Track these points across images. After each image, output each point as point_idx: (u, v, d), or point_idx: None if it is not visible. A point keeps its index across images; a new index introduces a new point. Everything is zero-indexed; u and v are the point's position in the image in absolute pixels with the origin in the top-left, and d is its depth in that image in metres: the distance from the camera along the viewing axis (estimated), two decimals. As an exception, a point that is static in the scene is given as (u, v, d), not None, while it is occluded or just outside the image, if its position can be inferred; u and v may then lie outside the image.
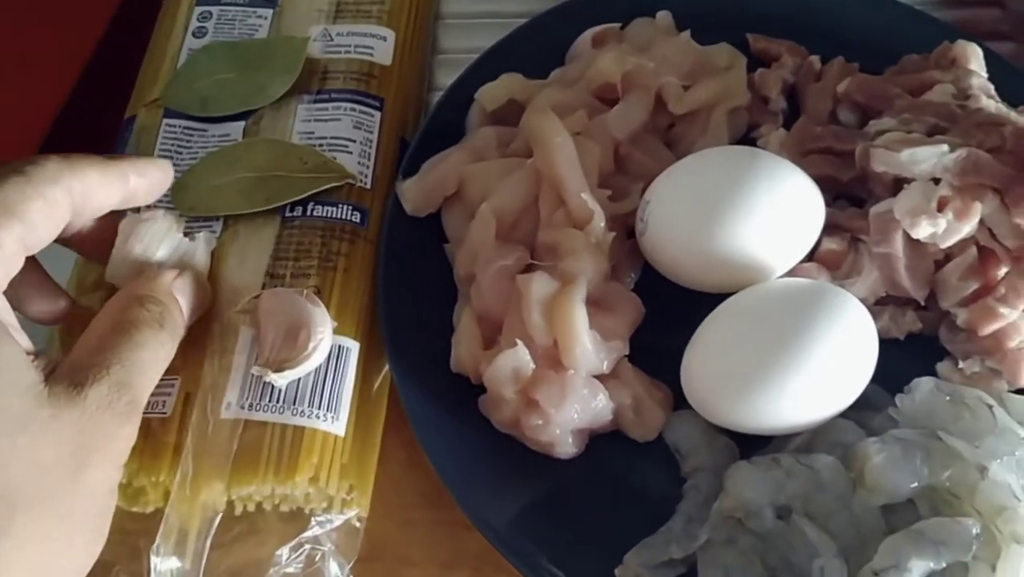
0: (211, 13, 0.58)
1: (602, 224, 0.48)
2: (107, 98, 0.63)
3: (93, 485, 0.35)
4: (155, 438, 0.44)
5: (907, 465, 0.43)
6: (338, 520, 0.45)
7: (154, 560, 0.42)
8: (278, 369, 0.44)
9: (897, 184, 0.49)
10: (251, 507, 0.45)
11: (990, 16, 0.64)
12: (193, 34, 0.57)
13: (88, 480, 0.35)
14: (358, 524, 0.45)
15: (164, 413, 0.45)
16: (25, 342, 0.36)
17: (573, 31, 0.57)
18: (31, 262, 0.42)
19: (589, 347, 0.45)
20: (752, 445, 0.46)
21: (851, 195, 0.52)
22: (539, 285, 0.46)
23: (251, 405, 0.44)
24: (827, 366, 0.43)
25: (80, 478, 0.34)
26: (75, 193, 0.39)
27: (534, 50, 0.57)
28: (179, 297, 0.43)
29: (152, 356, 0.39)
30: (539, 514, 0.46)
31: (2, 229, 0.36)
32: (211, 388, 0.45)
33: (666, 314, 0.49)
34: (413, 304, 0.49)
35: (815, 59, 0.57)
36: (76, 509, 0.34)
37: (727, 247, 0.46)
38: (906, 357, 0.48)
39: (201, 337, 0.46)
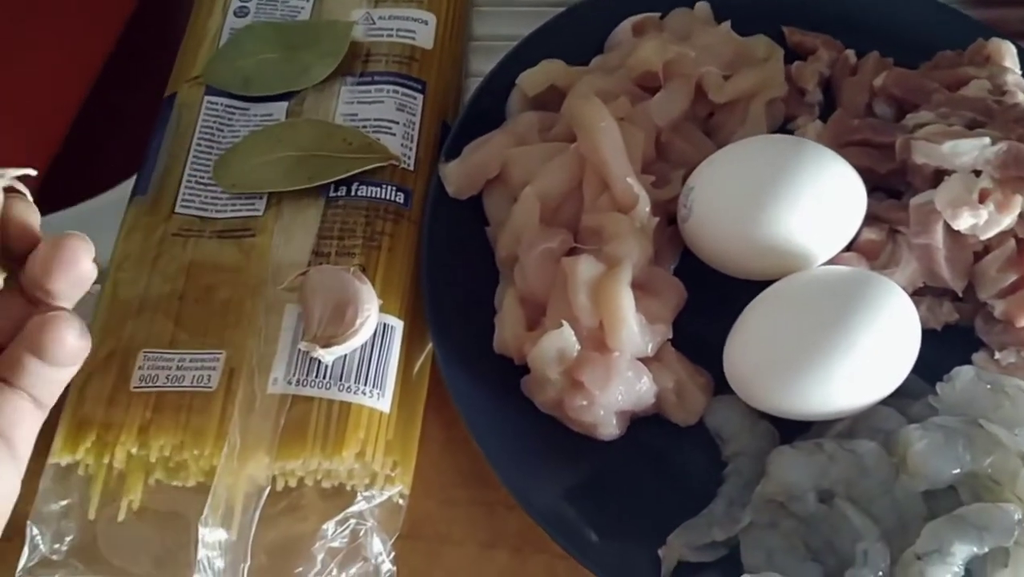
0: (253, -7, 0.58)
1: (647, 209, 0.48)
2: (137, 76, 0.63)
3: None
4: (199, 413, 0.44)
5: (949, 451, 0.43)
6: (381, 496, 0.45)
7: (202, 531, 0.42)
8: (325, 345, 0.44)
9: (937, 176, 0.49)
10: (293, 483, 0.45)
11: (1017, 16, 0.65)
12: (235, 13, 0.57)
13: None
14: (401, 501, 0.45)
15: (209, 388, 0.45)
16: None
17: (612, 20, 0.58)
18: None
19: (635, 329, 0.45)
20: (792, 431, 0.47)
21: (887, 187, 0.53)
22: (585, 267, 0.46)
23: (298, 381, 0.45)
24: (871, 353, 0.43)
25: None
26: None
27: (573, 38, 0.57)
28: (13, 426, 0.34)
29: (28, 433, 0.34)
30: (581, 494, 0.46)
31: None
32: (257, 364, 0.45)
33: (704, 300, 0.50)
34: (455, 285, 0.50)
35: (850, 53, 0.57)
36: None
37: (771, 234, 0.46)
38: (942, 347, 0.48)
39: (247, 314, 0.46)
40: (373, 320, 0.45)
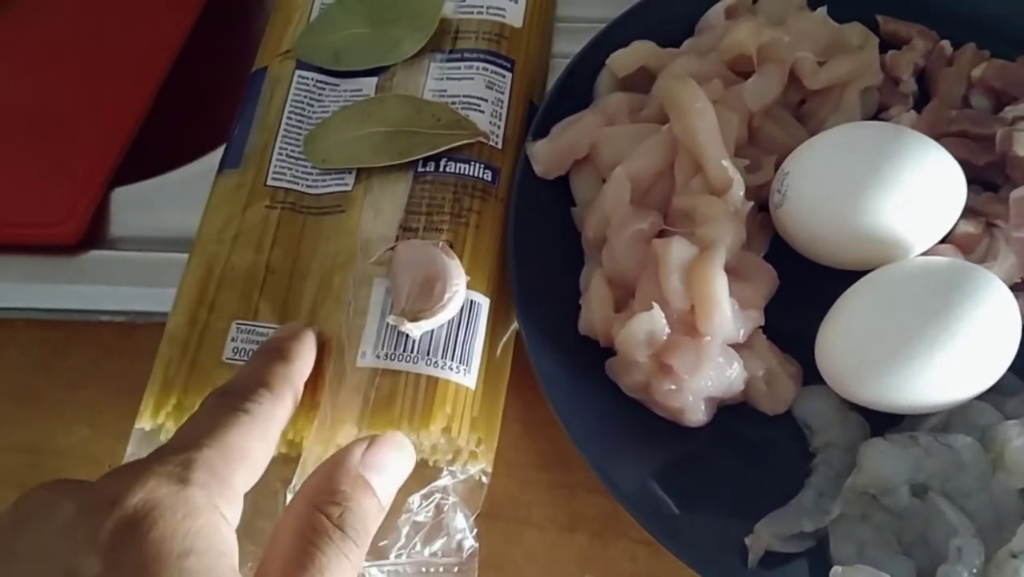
0: (346, -32, 0.58)
1: (741, 192, 0.47)
2: (219, 50, 0.63)
3: None
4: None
5: (1048, 450, 0.42)
6: (466, 473, 0.44)
7: (290, 497, 0.42)
8: (413, 319, 0.44)
9: (1039, 169, 0.48)
10: (378, 457, 0.44)
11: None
12: (329, -10, 0.57)
13: None
14: (483, 478, 0.45)
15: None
16: None
17: (703, 2, 0.57)
18: None
19: (728, 314, 0.44)
20: (882, 423, 0.46)
21: (983, 180, 0.51)
22: (678, 250, 0.45)
23: (387, 355, 0.44)
24: (971, 347, 0.42)
25: None
26: (285, 425, 0.40)
27: (663, 20, 0.57)
28: (373, 475, 0.37)
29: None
30: (666, 479, 0.45)
31: (240, 474, 0.35)
32: (347, 338, 0.45)
33: (793, 288, 0.49)
34: (541, 264, 0.49)
35: (946, 44, 0.56)
36: None
37: (868, 223, 0.45)
38: (1038, 344, 0.47)
39: (335, 288, 0.46)
40: (461, 295, 0.45)
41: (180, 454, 0.34)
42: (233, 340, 0.46)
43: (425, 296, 0.44)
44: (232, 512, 0.34)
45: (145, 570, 0.30)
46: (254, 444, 0.37)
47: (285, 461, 0.44)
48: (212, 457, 0.35)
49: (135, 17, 0.65)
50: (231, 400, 0.38)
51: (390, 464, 0.38)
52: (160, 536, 0.31)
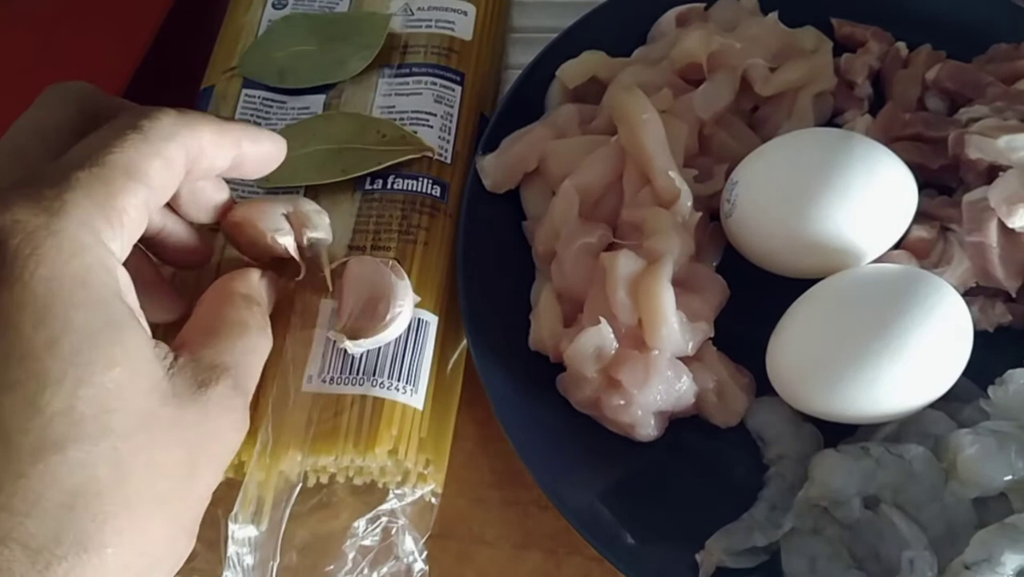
0: (291, -16, 0.57)
1: (689, 203, 0.47)
2: (176, 70, 0.63)
3: (202, 488, 0.34)
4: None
5: (1001, 457, 0.42)
6: (414, 495, 0.44)
7: (232, 527, 0.41)
8: (353, 336, 0.44)
9: (991, 172, 0.48)
10: (324, 479, 0.44)
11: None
12: (273, 5, 0.56)
13: (199, 483, 0.33)
14: (433, 500, 0.45)
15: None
16: (147, 327, 0.34)
17: (655, 11, 0.56)
18: (144, 260, 0.41)
19: (676, 327, 0.44)
20: (836, 433, 0.45)
21: (938, 183, 0.51)
22: (625, 263, 0.45)
23: (332, 379, 0.44)
24: (923, 355, 0.42)
25: (193, 481, 0.33)
26: (190, 150, 0.36)
27: (614, 29, 0.56)
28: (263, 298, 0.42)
29: (259, 360, 0.38)
30: (617, 495, 0.45)
31: (127, 193, 0.33)
32: (292, 361, 0.44)
33: (746, 298, 0.48)
34: (491, 280, 0.49)
35: (901, 45, 0.56)
36: (183, 512, 0.33)
37: (818, 230, 0.45)
38: (995, 350, 0.46)
39: (282, 311, 0.46)
40: (406, 316, 0.45)
41: (55, 181, 0.32)
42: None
43: (368, 314, 0.44)
44: (120, 243, 0.33)
45: (27, 308, 0.29)
46: (145, 162, 0.33)
47: (230, 485, 0.43)
48: (90, 180, 0.32)
49: (87, 40, 0.64)
50: (119, 121, 0.34)
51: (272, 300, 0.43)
52: (46, 275, 0.30)
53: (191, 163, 0.36)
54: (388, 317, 0.44)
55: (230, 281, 0.41)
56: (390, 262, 0.46)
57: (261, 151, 0.40)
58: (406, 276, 0.45)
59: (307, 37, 0.54)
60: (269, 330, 0.40)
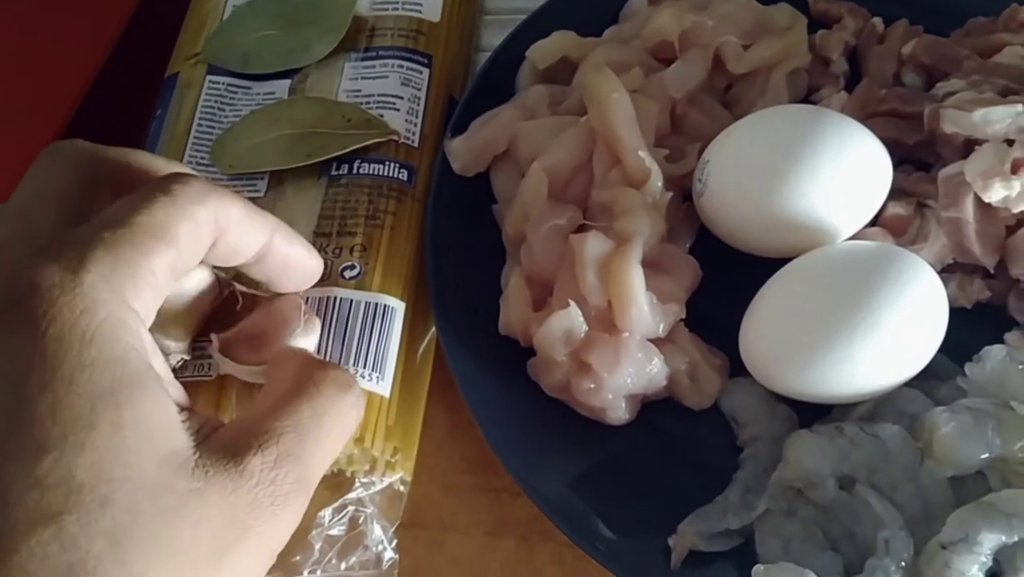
0: (256, -32, 0.56)
1: (659, 183, 0.46)
2: (149, 58, 0.62)
3: (235, 574, 0.29)
4: (196, 401, 0.43)
5: (978, 435, 0.41)
6: (382, 483, 0.43)
7: None
8: (225, 352, 0.42)
9: (967, 146, 0.47)
10: (290, 469, 0.43)
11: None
12: (240, -10, 0.56)
13: (232, 568, 0.29)
14: (402, 488, 0.44)
15: (208, 376, 0.43)
16: (178, 394, 0.32)
17: (627, -10, 0.56)
18: None
19: (645, 309, 0.43)
20: (812, 414, 0.44)
21: (915, 159, 0.50)
22: (594, 245, 0.44)
23: (295, 366, 0.43)
24: (896, 332, 0.41)
25: (221, 565, 0.29)
26: (219, 219, 0.34)
27: (586, 9, 0.55)
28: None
29: (336, 424, 0.34)
30: (589, 481, 0.44)
31: (154, 254, 0.31)
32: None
33: (721, 279, 0.47)
34: (460, 265, 0.48)
35: (878, 21, 0.55)
36: None
37: (791, 209, 0.44)
38: (973, 326, 0.45)
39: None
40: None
41: (77, 242, 0.30)
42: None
43: (253, 344, 0.42)
44: (143, 303, 0.31)
45: (34, 370, 0.27)
46: (175, 224, 0.32)
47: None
48: (115, 240, 0.30)
49: (55, 31, 0.64)
50: (149, 186, 0.33)
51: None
52: (56, 334, 0.28)
53: (219, 233, 0.34)
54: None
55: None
56: (310, 319, 0.43)
57: (293, 252, 0.38)
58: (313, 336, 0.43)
59: (271, 22, 0.53)
60: (354, 388, 0.35)
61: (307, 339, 0.42)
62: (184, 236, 0.32)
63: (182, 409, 0.31)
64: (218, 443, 0.30)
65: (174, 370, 0.40)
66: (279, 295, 0.42)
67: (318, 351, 0.43)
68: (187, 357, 0.42)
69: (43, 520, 0.26)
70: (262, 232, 0.36)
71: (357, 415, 0.35)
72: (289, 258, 0.38)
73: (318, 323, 0.43)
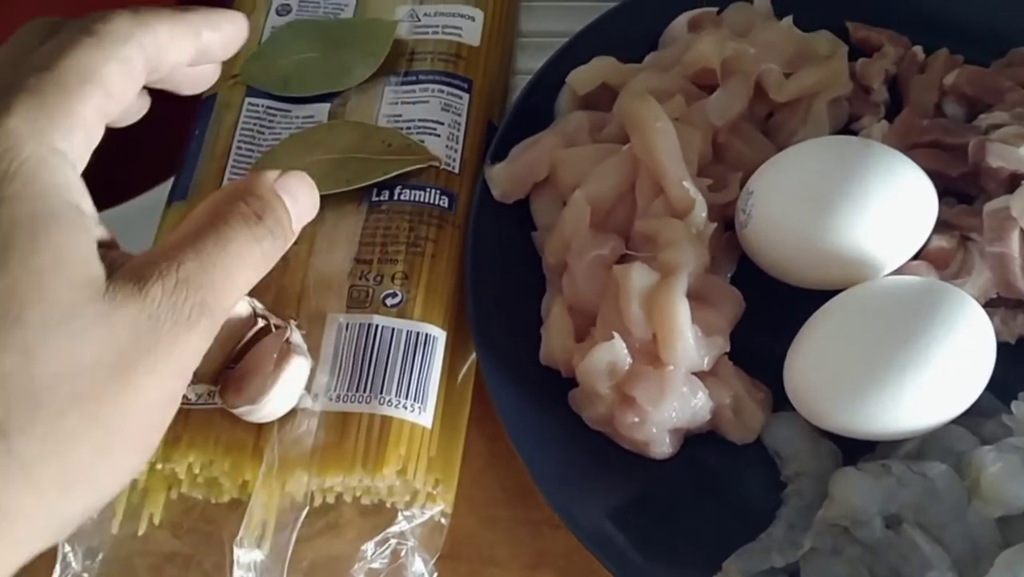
0: (296, -12, 0.56)
1: (703, 214, 0.46)
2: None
3: (139, 392, 0.31)
4: (233, 429, 0.43)
5: (1026, 476, 0.40)
6: (423, 516, 0.43)
7: (237, 552, 0.40)
8: (214, 382, 0.42)
9: (1013, 180, 0.47)
10: (331, 499, 0.43)
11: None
12: (276, 11, 0.55)
13: (134, 386, 0.30)
14: (443, 520, 0.44)
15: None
16: (102, 233, 0.33)
17: (666, 15, 0.55)
18: None
19: (691, 342, 0.43)
20: (855, 450, 0.44)
21: (958, 191, 0.50)
22: (638, 276, 0.44)
23: (339, 396, 0.43)
24: (946, 371, 0.41)
25: (124, 383, 0.30)
26: (148, 49, 0.34)
27: (625, 34, 0.55)
28: (286, 197, 0.36)
29: (242, 254, 0.34)
30: (630, 514, 0.44)
31: (82, 100, 0.32)
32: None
33: (762, 310, 0.47)
34: (501, 293, 0.48)
35: (918, 49, 0.54)
36: (115, 415, 0.30)
37: (837, 242, 0.44)
38: (1016, 361, 0.45)
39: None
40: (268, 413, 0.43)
41: (2, 89, 0.31)
42: (180, 382, 0.44)
43: (241, 383, 0.42)
44: (70, 143, 0.32)
45: None
46: (102, 66, 0.33)
47: (233, 507, 0.42)
48: (40, 85, 0.31)
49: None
50: (72, 26, 0.34)
51: (301, 196, 0.37)
52: None
53: (152, 63, 0.35)
54: (244, 405, 0.41)
55: (229, 185, 0.39)
56: (286, 361, 0.42)
57: (223, 35, 0.39)
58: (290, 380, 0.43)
59: (311, 44, 0.53)
60: (276, 222, 0.35)
61: (283, 385, 0.42)
62: (112, 77, 0.33)
63: (104, 246, 0.32)
64: (127, 271, 0.31)
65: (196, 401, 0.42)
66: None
67: (360, 380, 0.43)
68: (215, 388, 0.42)
69: None
70: (192, 38, 0.37)
71: (271, 247, 0.35)
72: (223, 41, 0.39)
73: (296, 362, 0.42)
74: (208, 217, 0.34)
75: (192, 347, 0.32)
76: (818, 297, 0.45)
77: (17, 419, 0.28)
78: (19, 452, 0.28)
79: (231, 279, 0.33)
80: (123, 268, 0.31)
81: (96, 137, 0.34)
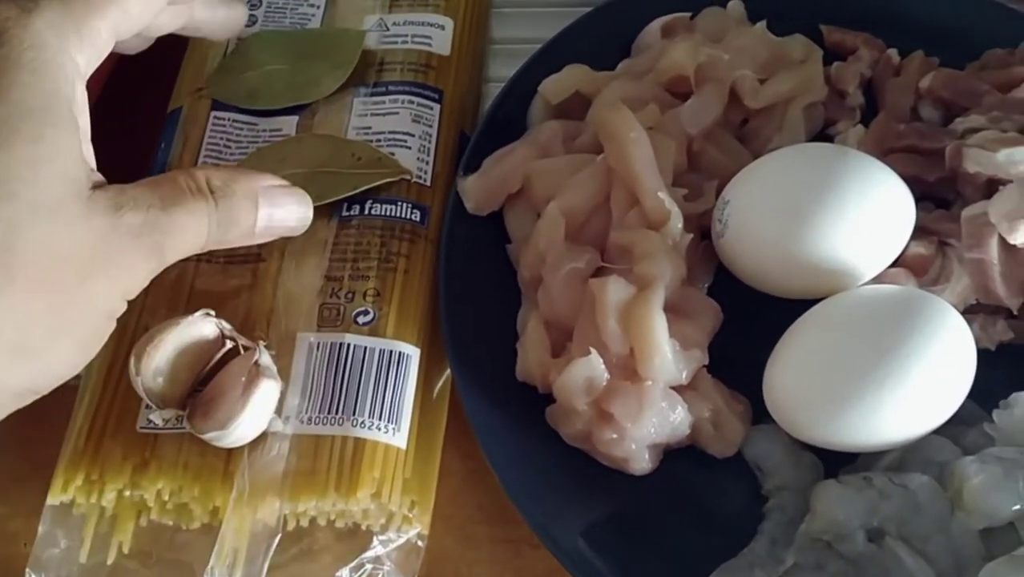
0: (261, 0, 0.55)
1: (679, 225, 0.45)
2: (143, 90, 0.60)
3: (95, 297, 0.35)
4: (202, 455, 0.42)
5: (1009, 486, 0.40)
6: (400, 539, 0.42)
7: None
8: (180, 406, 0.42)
9: (991, 186, 0.46)
10: (304, 522, 0.42)
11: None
12: (243, 23, 0.54)
13: (91, 290, 0.34)
14: (420, 543, 0.43)
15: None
16: (89, 154, 0.36)
17: (639, 21, 0.55)
18: None
19: (669, 357, 0.42)
20: (837, 461, 0.43)
21: (934, 196, 0.49)
22: (615, 290, 0.43)
23: (310, 419, 0.42)
24: (926, 382, 0.40)
25: (85, 284, 0.34)
26: None
27: (598, 41, 0.54)
28: (265, 205, 0.40)
29: (192, 225, 0.37)
30: (610, 532, 0.43)
31: (104, 15, 0.36)
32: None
33: (739, 320, 0.46)
34: (475, 307, 0.47)
35: (893, 52, 0.54)
36: (69, 309, 0.34)
37: (815, 251, 0.43)
38: (996, 368, 0.44)
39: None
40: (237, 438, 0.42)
41: None
42: (148, 406, 0.43)
43: (209, 408, 0.41)
44: (85, 57, 0.36)
45: None
46: None
47: (204, 532, 0.41)
48: None
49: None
50: None
51: (286, 207, 0.41)
52: (3, 54, 0.33)
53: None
54: (213, 431, 0.41)
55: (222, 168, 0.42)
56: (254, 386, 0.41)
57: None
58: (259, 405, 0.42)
59: (278, 56, 0.52)
60: (229, 217, 0.39)
61: (253, 409, 0.41)
62: (135, 3, 0.38)
63: (88, 165, 0.36)
64: (106, 190, 0.35)
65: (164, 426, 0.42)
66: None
67: (332, 401, 0.42)
68: (183, 412, 0.41)
69: None
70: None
71: (212, 233, 0.38)
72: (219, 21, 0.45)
73: (266, 385, 0.41)
74: (180, 181, 0.38)
75: (140, 279, 0.36)
76: (796, 306, 0.44)
77: None
78: None
79: (179, 240, 0.37)
80: (103, 187, 0.35)
81: (104, 53, 0.37)
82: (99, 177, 0.36)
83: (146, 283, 0.36)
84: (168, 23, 0.42)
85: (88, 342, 0.35)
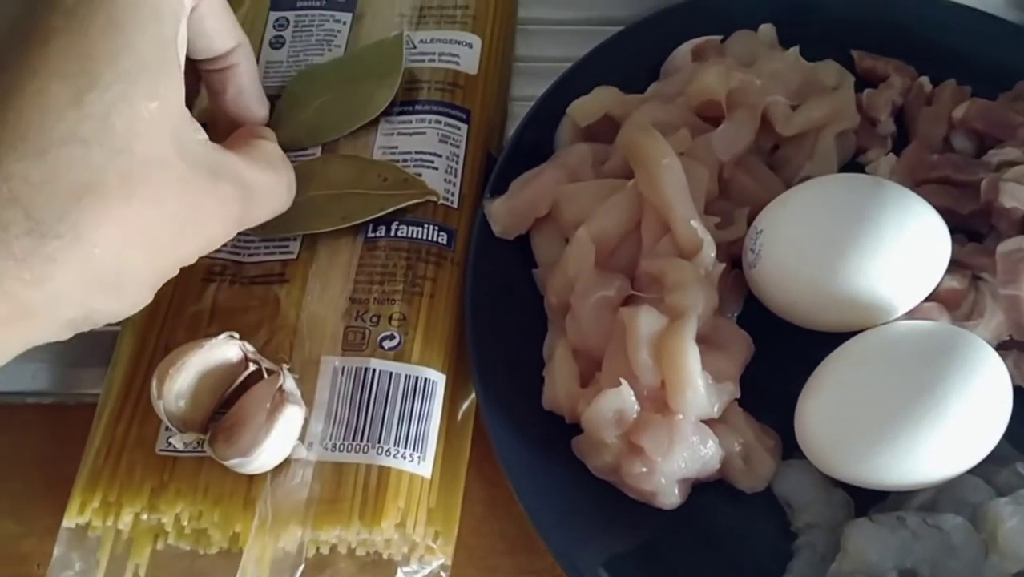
0: (288, 20, 0.54)
1: (712, 254, 0.44)
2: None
3: (180, 253, 0.37)
4: (223, 480, 0.41)
5: (1045, 530, 0.39)
6: (423, 570, 0.41)
7: None
8: (202, 430, 0.41)
9: (1027, 221, 0.46)
10: (325, 550, 0.41)
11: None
12: (270, 44, 0.53)
13: (180, 248, 0.36)
14: (443, 574, 0.42)
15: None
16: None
17: (668, 42, 0.54)
18: None
19: (702, 390, 0.41)
20: (867, 499, 0.43)
21: (967, 228, 0.48)
22: (647, 320, 0.42)
23: (334, 445, 0.41)
24: (963, 422, 0.39)
25: (177, 243, 0.36)
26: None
27: (626, 62, 0.53)
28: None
29: (271, 201, 0.42)
30: (635, 566, 0.42)
31: None
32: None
33: (770, 352, 0.46)
34: (502, 333, 0.46)
35: (925, 80, 0.53)
36: (160, 260, 0.36)
37: (850, 285, 0.42)
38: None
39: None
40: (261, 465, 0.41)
41: None
42: (168, 429, 0.42)
43: (231, 433, 0.40)
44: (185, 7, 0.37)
45: (94, 17, 0.33)
46: None
47: (224, 558, 0.40)
48: None
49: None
50: None
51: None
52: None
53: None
54: (235, 458, 0.40)
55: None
56: (279, 411, 0.41)
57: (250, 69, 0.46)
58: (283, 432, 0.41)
59: (325, 87, 0.50)
60: (287, 193, 0.43)
61: (276, 437, 0.40)
62: None
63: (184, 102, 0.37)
64: (210, 154, 0.37)
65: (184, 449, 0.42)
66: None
67: (357, 428, 0.41)
68: (204, 436, 0.41)
69: (77, 140, 0.31)
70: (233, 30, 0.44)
71: (284, 197, 0.43)
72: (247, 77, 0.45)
73: (290, 412, 0.40)
74: (263, 146, 0.42)
75: (218, 242, 0.38)
76: (826, 338, 0.44)
77: (103, 236, 0.32)
78: (94, 260, 0.32)
79: (260, 213, 0.41)
80: (203, 145, 0.37)
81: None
82: (199, 130, 0.37)
83: (212, 245, 0.38)
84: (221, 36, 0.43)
85: (154, 288, 0.36)
